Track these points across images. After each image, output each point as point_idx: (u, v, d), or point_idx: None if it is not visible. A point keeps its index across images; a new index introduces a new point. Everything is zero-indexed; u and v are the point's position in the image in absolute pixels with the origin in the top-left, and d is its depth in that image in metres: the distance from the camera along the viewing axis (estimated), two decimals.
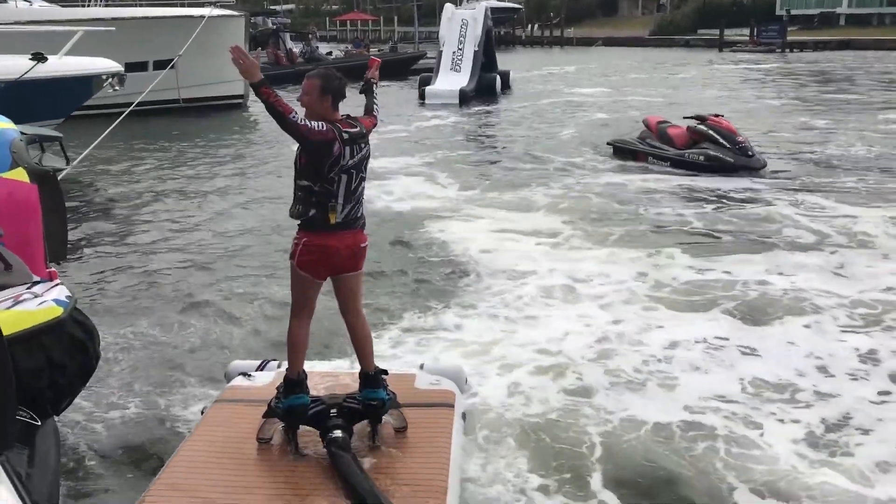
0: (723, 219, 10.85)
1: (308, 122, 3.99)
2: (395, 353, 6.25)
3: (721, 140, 13.73)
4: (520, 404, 5.48)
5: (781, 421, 5.47)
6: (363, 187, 4.26)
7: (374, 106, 4.69)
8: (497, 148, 17.94)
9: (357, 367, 4.57)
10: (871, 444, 5.17)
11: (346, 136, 4.09)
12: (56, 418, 4.14)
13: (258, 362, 5.19)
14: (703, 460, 4.94)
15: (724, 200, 11.89)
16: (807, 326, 7.09)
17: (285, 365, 4.89)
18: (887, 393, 5.88)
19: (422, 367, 5.04)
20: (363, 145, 4.20)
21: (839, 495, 4.60)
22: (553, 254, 9.35)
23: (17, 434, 3.47)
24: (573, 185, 13.25)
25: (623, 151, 15.32)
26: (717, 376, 6.13)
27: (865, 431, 5.33)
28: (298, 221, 4.19)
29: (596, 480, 4.68)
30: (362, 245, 4.30)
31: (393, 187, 13.07)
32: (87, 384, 4.49)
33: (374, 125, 4.49)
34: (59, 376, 4.07)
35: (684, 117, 14.69)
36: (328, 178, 4.05)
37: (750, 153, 13.73)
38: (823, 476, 4.78)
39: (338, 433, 4.18)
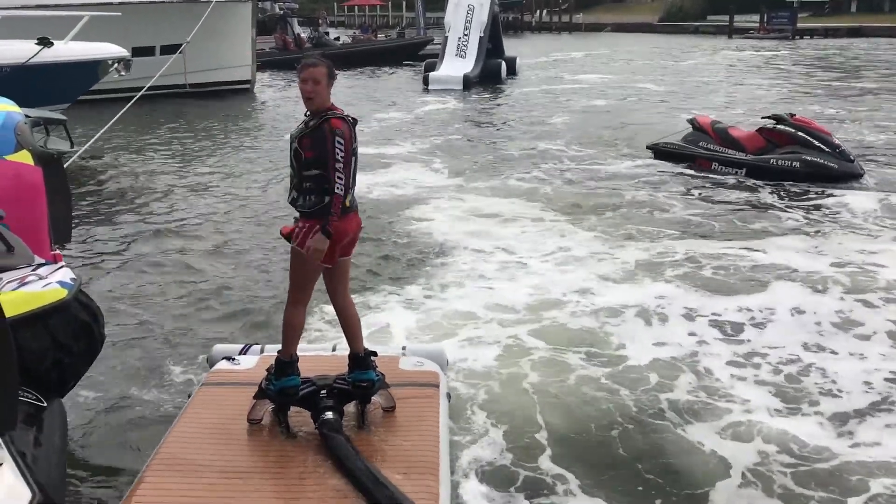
0: (713, 212, 10.85)
1: (342, 174, 4.01)
2: (370, 334, 6.33)
3: (816, 143, 11.95)
4: (491, 379, 5.81)
5: (739, 377, 5.90)
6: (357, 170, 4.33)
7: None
8: (490, 134, 17.92)
9: (338, 351, 4.67)
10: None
11: (350, 120, 4.17)
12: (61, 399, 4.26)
13: (241, 346, 5.27)
14: (668, 412, 5.42)
15: (721, 191, 11.92)
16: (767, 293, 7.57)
17: (268, 349, 4.99)
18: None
19: (404, 349, 5.14)
20: (356, 130, 4.24)
21: (800, 445, 5.03)
22: (522, 237, 9.53)
23: (23, 415, 3.53)
24: (557, 172, 13.32)
25: (673, 156, 13.48)
26: (678, 337, 6.68)
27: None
28: (307, 210, 4.16)
29: (549, 444, 5.01)
30: (361, 227, 4.42)
31: (379, 174, 13.16)
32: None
33: None
34: (65, 357, 4.16)
35: (762, 117, 12.93)
36: (343, 164, 4.04)
37: (851, 158, 12.08)
38: (786, 425, 5.25)
39: (329, 414, 4.27)
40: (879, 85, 26.22)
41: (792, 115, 12.47)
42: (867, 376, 6.00)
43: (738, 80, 28.97)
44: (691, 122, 13.74)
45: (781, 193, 11.50)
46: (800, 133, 12.08)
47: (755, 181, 11.99)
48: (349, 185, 4.10)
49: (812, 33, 55.37)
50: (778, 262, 8.48)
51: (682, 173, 12.85)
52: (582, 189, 12.14)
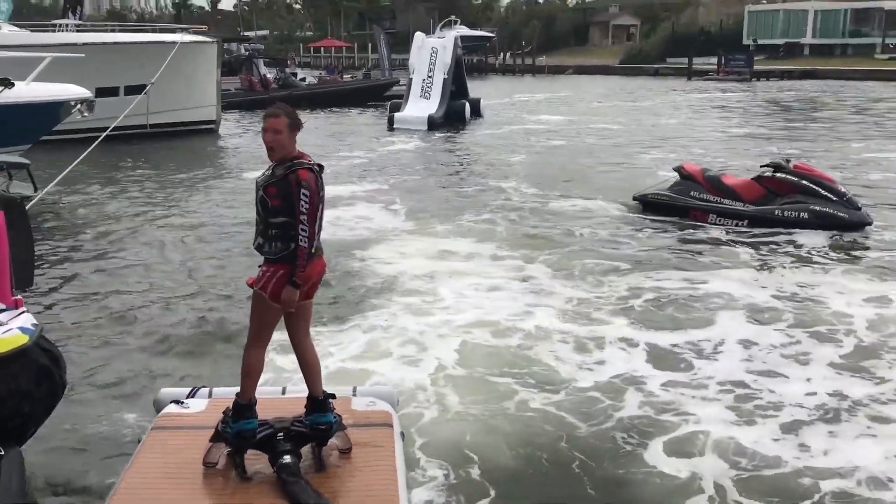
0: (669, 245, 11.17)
1: (307, 223, 4.05)
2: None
3: (823, 192, 11.44)
4: (441, 414, 5.96)
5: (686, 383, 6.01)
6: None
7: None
8: (449, 174, 18.08)
9: (289, 393, 4.68)
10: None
11: (317, 167, 4.23)
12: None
13: (188, 389, 5.21)
14: (618, 434, 5.74)
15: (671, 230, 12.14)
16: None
17: (217, 392, 4.96)
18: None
19: (355, 389, 5.14)
20: (322, 176, 4.31)
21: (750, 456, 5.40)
22: (473, 274, 9.64)
23: None
24: (511, 211, 13.47)
25: (663, 208, 12.61)
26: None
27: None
28: (273, 256, 4.18)
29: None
30: (325, 271, 4.45)
31: (338, 213, 13.14)
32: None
33: None
34: (25, 405, 4.09)
35: (761, 166, 12.43)
36: (313, 210, 4.10)
37: (859, 206, 11.64)
38: (737, 438, 5.61)
39: (287, 458, 4.25)
40: (832, 125, 26.95)
41: (787, 161, 12.02)
42: (812, 398, 6.30)
43: (697, 120, 29.64)
44: (678, 170, 12.92)
45: (728, 230, 11.75)
46: (803, 181, 11.55)
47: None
48: (314, 236, 4.14)
49: (768, 75, 56.86)
50: (724, 294, 8.79)
51: (634, 213, 13.03)
52: (534, 227, 12.29)
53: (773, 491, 5.04)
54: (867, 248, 10.79)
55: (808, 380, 6.65)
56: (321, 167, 4.24)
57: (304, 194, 4.06)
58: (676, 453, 5.45)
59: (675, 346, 7.41)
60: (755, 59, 59.03)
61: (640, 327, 7.87)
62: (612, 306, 8.47)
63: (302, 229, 4.08)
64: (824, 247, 10.76)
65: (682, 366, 6.97)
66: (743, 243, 11.07)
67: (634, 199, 13.25)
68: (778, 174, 11.73)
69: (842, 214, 11.31)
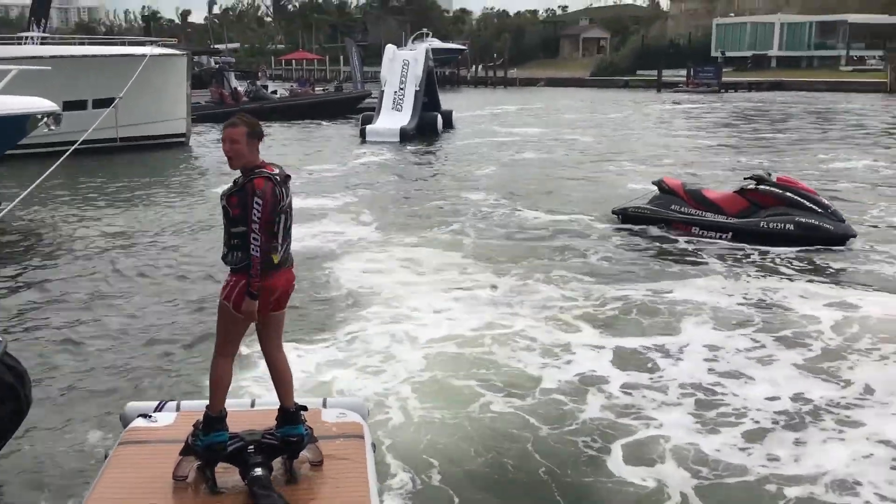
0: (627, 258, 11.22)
1: (259, 233, 4.02)
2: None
3: (808, 204, 11.39)
4: (410, 422, 6.01)
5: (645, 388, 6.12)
6: (292, 226, 4.31)
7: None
8: (419, 186, 18.12)
9: (257, 406, 4.65)
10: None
11: (278, 178, 4.21)
12: None
13: (156, 403, 5.12)
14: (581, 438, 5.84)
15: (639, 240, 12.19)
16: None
17: (185, 405, 4.90)
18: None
19: (325, 401, 5.11)
20: (288, 185, 4.27)
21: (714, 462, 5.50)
22: (440, 284, 9.69)
23: None
24: (479, 222, 13.52)
25: (644, 221, 12.55)
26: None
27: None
28: (235, 266, 4.16)
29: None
30: (293, 283, 4.39)
31: (308, 225, 13.14)
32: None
33: None
34: None
35: (744, 178, 12.29)
36: (268, 221, 4.08)
37: (843, 218, 11.57)
38: (701, 444, 5.72)
39: (258, 470, 4.21)
40: (799, 136, 27.35)
41: (769, 174, 11.96)
42: (777, 402, 6.41)
43: (668, 132, 29.95)
44: (658, 184, 12.83)
45: (696, 240, 11.85)
46: (787, 193, 11.50)
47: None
48: (266, 246, 4.09)
49: (736, 87, 57.68)
50: (690, 301, 8.92)
51: (603, 224, 13.08)
52: (503, 239, 12.33)
53: (738, 497, 5.10)
54: (834, 256, 10.92)
55: (774, 383, 6.76)
56: (287, 177, 4.22)
57: (256, 203, 4.04)
58: (639, 459, 5.51)
59: (640, 351, 7.50)
60: (723, 70, 59.86)
61: (606, 334, 7.96)
62: (579, 314, 8.55)
63: (254, 238, 4.05)
64: (791, 256, 10.89)
65: (647, 370, 7.07)
66: (711, 253, 11.17)
67: (614, 212, 13.13)
68: (761, 187, 11.67)
69: (827, 226, 11.24)
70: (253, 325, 4.34)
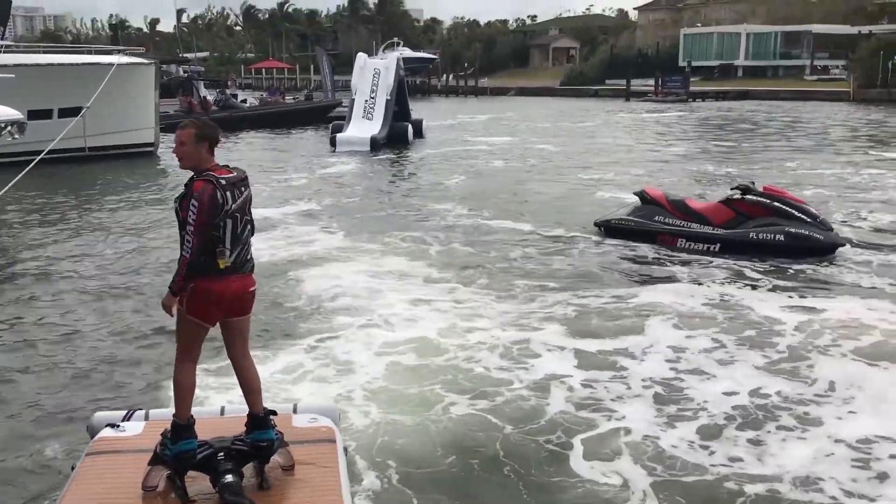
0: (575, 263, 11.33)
1: (192, 236, 4.04)
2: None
3: (797, 214, 11.24)
4: (378, 426, 6.09)
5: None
6: (249, 230, 4.30)
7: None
8: (386, 195, 18.10)
9: (227, 414, 4.63)
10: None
11: (223, 181, 4.19)
12: None
13: (124, 412, 5.05)
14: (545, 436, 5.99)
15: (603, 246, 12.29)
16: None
17: (153, 413, 4.86)
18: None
19: (295, 407, 5.09)
20: (243, 189, 4.25)
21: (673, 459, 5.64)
22: (404, 292, 9.73)
23: None
24: (444, 231, 13.52)
25: (628, 233, 12.31)
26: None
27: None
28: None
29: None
30: (251, 289, 4.33)
31: (272, 234, 13.11)
32: None
33: None
34: None
35: (731, 188, 12.14)
36: (214, 225, 4.13)
37: (831, 227, 11.53)
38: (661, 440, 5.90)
39: (229, 477, 4.17)
40: (767, 144, 27.74)
41: (752, 184, 11.85)
42: (734, 398, 6.60)
43: (637, 141, 30.20)
44: (640, 194, 12.61)
45: (660, 249, 11.91)
46: (776, 203, 11.32)
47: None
48: (199, 249, 4.07)
49: (704, 96, 58.38)
50: (656, 304, 9.09)
51: (570, 233, 13.11)
52: (467, 247, 12.33)
53: (699, 493, 5.22)
54: (797, 261, 11.04)
55: (736, 382, 6.93)
56: (240, 182, 4.21)
57: (193, 205, 4.05)
58: (602, 457, 5.64)
59: (602, 352, 7.66)
60: (691, 80, 60.55)
61: (569, 336, 8.11)
62: (542, 319, 8.66)
63: (186, 239, 4.05)
64: (755, 261, 11.01)
65: (610, 370, 7.23)
66: (676, 261, 11.27)
67: (596, 224, 12.83)
68: (748, 197, 11.47)
69: (817, 236, 11.09)
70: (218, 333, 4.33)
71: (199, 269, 4.12)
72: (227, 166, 4.31)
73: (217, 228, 4.11)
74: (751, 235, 11.27)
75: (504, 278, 10.39)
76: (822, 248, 11.11)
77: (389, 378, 7.04)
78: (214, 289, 4.14)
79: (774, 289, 9.82)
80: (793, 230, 11.08)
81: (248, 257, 4.30)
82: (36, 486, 5.28)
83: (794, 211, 11.26)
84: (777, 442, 5.88)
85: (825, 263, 10.91)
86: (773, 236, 11.14)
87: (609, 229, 12.57)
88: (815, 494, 5.19)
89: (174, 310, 4.20)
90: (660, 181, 18.59)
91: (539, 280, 10.30)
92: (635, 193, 12.88)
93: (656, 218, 12.08)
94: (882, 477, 5.37)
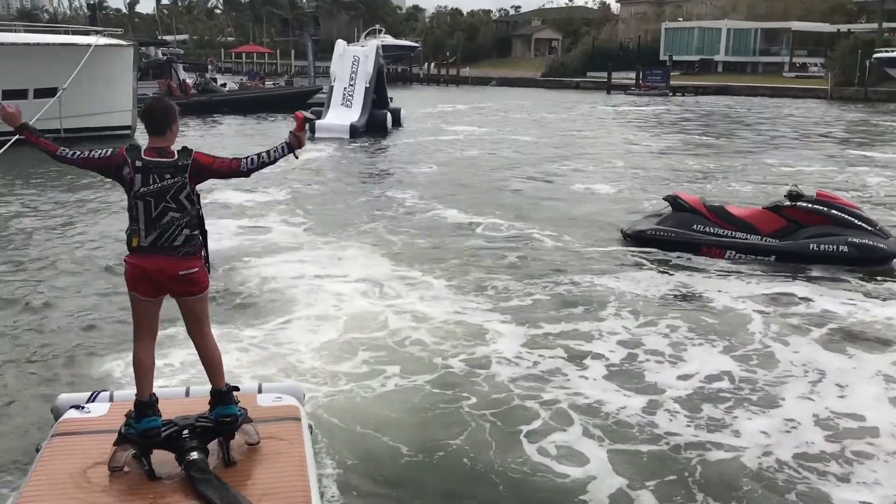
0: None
1: (84, 153, 4.30)
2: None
3: (857, 222, 10.52)
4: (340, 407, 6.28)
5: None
6: (176, 218, 4.23)
7: (262, 157, 4.45)
8: (355, 183, 18.04)
9: (192, 395, 4.72)
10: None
11: (138, 163, 4.20)
12: None
13: (88, 394, 5.10)
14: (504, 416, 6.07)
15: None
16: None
17: (118, 395, 4.92)
18: None
19: (260, 387, 5.16)
20: (168, 177, 4.21)
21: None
22: (364, 280, 9.79)
23: None
24: (406, 220, 13.57)
25: (666, 244, 11.17)
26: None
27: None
28: None
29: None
30: (181, 273, 4.27)
31: (236, 221, 13.15)
32: None
33: (223, 167, 4.40)
34: None
35: (784, 195, 11.11)
36: (129, 204, 4.23)
37: (889, 234, 10.74)
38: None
39: (195, 455, 4.24)
40: (748, 140, 27.86)
41: (796, 186, 11.02)
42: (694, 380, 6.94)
43: (619, 133, 30.26)
44: (671, 200, 11.60)
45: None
46: (833, 211, 10.57)
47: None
48: (64, 157, 4.35)
49: (684, 91, 58.65)
50: (612, 289, 9.43)
51: (525, 227, 12.99)
52: (426, 237, 12.37)
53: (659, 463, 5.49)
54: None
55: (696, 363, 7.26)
56: (167, 168, 4.22)
57: (104, 151, 4.34)
58: (560, 433, 5.90)
59: (560, 335, 7.94)
60: (671, 74, 60.81)
61: (524, 322, 8.34)
62: (498, 306, 8.85)
63: (72, 151, 4.35)
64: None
65: (568, 354, 7.49)
66: (637, 251, 11.37)
67: (626, 235, 11.82)
68: (800, 204, 10.68)
69: (882, 245, 10.38)
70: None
71: (127, 243, 4.29)
72: (173, 151, 4.30)
73: (131, 209, 4.23)
74: (811, 247, 10.44)
75: (462, 267, 10.50)
76: (886, 257, 10.45)
77: (345, 362, 7.19)
78: (133, 263, 4.27)
79: (742, 278, 9.98)
80: (857, 240, 10.34)
81: (177, 243, 4.27)
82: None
83: (853, 219, 10.54)
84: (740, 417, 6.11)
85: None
86: (835, 247, 10.35)
87: (642, 240, 11.41)
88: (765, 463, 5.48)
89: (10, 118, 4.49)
90: (647, 174, 18.75)
91: (497, 271, 10.34)
92: (665, 199, 11.91)
93: (695, 227, 11.09)
94: None
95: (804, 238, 10.56)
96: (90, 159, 4.29)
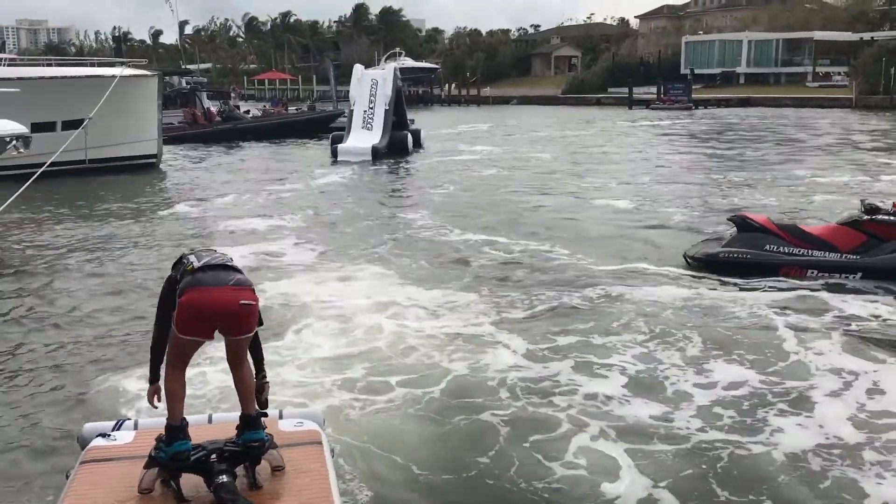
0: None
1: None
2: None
3: None
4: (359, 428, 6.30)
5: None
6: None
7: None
8: (371, 206, 17.85)
9: (215, 422, 4.77)
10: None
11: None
12: None
13: (113, 422, 5.09)
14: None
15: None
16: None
17: (143, 423, 4.97)
18: None
19: (281, 413, 5.20)
20: None
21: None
22: (374, 300, 9.75)
23: None
24: (418, 241, 13.47)
25: (741, 267, 10.48)
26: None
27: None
28: None
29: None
30: (239, 303, 4.24)
31: (252, 246, 13.18)
32: None
33: None
34: None
35: (860, 209, 10.45)
36: None
37: None
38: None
39: (224, 478, 4.26)
40: (779, 151, 27.67)
41: (864, 200, 10.62)
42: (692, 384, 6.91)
43: (644, 148, 30.14)
44: (737, 220, 11.02)
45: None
46: None
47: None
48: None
49: (706, 103, 58.55)
50: (635, 300, 9.55)
51: (543, 244, 12.92)
52: (440, 256, 12.34)
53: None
54: None
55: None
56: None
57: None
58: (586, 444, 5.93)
59: (575, 347, 7.98)
60: (693, 87, 60.71)
61: (532, 336, 8.33)
62: (513, 325, 8.80)
63: None
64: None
65: (585, 366, 7.51)
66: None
67: (692, 259, 11.03)
68: (880, 217, 10.13)
69: None
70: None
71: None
72: None
73: None
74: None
75: (470, 286, 10.45)
76: None
77: (360, 382, 7.20)
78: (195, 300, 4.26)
79: (764, 291, 9.89)
80: None
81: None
82: (25, 496, 5.36)
83: None
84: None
85: None
86: None
87: (713, 264, 10.69)
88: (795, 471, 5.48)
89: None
90: (669, 189, 18.61)
91: (506, 289, 10.26)
92: (730, 219, 11.39)
93: (767, 247, 10.50)
94: None
95: (889, 252, 10.01)
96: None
